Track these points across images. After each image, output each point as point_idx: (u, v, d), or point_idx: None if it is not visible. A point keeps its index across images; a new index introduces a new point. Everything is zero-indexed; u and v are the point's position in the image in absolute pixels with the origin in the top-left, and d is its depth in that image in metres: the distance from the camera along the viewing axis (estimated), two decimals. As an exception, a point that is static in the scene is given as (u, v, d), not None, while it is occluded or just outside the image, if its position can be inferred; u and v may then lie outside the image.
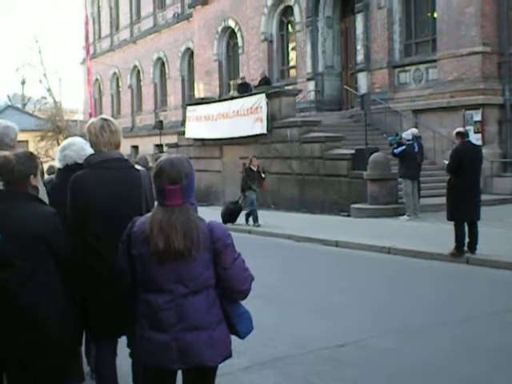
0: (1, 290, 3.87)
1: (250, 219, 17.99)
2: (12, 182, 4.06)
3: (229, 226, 17.28)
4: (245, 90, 25.69)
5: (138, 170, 4.49)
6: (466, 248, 11.45)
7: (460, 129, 12.47)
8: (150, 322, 3.48)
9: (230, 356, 3.61)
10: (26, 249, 3.94)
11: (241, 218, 18.45)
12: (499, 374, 5.89)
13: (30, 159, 4.21)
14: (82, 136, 5.48)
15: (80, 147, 5.13)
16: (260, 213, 20.53)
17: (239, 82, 27.82)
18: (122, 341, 4.56)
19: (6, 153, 4.20)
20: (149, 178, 4.45)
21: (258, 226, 17.52)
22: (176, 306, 3.43)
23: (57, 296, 4.03)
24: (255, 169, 18.36)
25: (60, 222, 4.13)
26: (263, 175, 18.58)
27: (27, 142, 40.70)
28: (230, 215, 18.59)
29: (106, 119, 4.50)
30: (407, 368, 6.13)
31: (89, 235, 4.26)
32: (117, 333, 4.42)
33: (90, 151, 4.78)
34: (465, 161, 11.29)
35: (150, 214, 3.55)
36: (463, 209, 11.26)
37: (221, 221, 17.26)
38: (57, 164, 5.27)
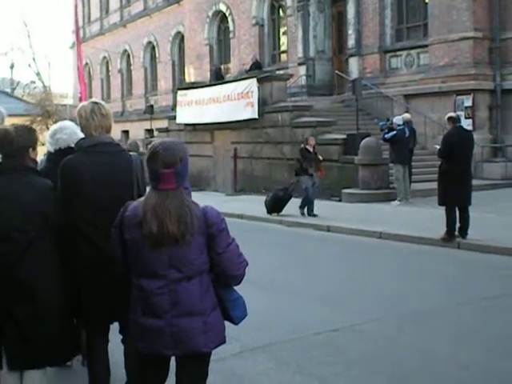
0: (0, 263, 3.89)
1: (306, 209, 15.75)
2: (11, 154, 4.10)
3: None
4: (218, 78, 26.04)
5: (130, 154, 4.44)
6: (456, 233, 11.48)
7: (452, 114, 12.47)
8: (143, 307, 3.46)
9: (223, 342, 3.59)
10: (24, 222, 4.00)
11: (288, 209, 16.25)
12: (495, 360, 5.90)
13: (29, 132, 4.28)
14: (72, 120, 5.43)
15: (72, 131, 5.08)
16: (251, 198, 20.54)
17: (213, 68, 28.14)
18: (114, 327, 4.53)
19: (6, 126, 4.22)
20: (140, 161, 4.41)
21: (315, 216, 15.41)
22: (169, 292, 3.40)
23: (53, 268, 4.07)
24: (311, 150, 15.97)
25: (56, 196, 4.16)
26: (320, 157, 16.20)
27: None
28: (276, 203, 16.30)
29: (96, 102, 4.45)
30: (402, 353, 6.14)
31: (79, 219, 4.21)
32: (109, 319, 4.39)
33: (82, 135, 4.74)
34: (456, 146, 11.29)
35: (143, 198, 3.52)
36: (454, 194, 11.26)
37: (265, 209, 16.60)
38: (48, 148, 5.22)
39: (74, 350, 4.33)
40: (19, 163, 4.12)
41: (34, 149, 4.29)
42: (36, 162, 4.38)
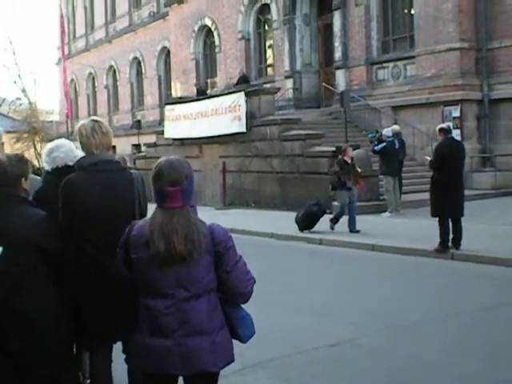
0: None
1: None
2: (4, 184, 3.99)
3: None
4: (202, 95, 26.17)
5: (131, 172, 4.41)
6: (450, 244, 11.48)
7: (443, 125, 12.51)
8: (150, 327, 3.40)
9: (232, 361, 3.54)
10: (18, 254, 3.86)
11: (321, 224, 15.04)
12: (493, 369, 5.91)
13: (22, 162, 4.16)
14: (60, 137, 5.38)
15: (69, 149, 5.03)
16: (241, 211, 20.47)
17: (196, 87, 28.34)
18: (117, 346, 4.48)
19: None
20: (141, 179, 4.38)
21: (357, 232, 14.26)
22: (177, 311, 3.35)
23: (50, 302, 3.95)
24: (349, 161, 14.77)
25: (52, 225, 4.05)
26: (359, 169, 15.09)
27: (3, 143, 40.11)
28: (309, 219, 14.98)
29: (96, 121, 4.42)
30: (402, 365, 6.13)
31: (82, 238, 4.16)
32: (113, 338, 4.33)
33: (79, 153, 4.71)
34: (448, 157, 11.32)
35: (148, 218, 3.49)
36: (448, 205, 11.27)
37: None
38: (45, 167, 5.16)
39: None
40: (12, 193, 4.02)
41: (26, 179, 4.17)
42: (28, 192, 4.30)
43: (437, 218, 11.51)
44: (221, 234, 3.44)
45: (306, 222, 14.98)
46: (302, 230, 15.00)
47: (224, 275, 3.44)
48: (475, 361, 6.14)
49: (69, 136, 27.83)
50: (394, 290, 9.41)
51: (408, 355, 6.39)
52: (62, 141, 5.25)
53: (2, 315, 3.82)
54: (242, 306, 3.68)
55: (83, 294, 4.19)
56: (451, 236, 11.46)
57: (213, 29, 32.87)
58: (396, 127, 18.28)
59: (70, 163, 4.83)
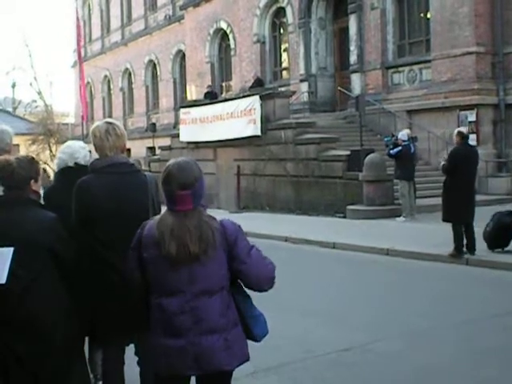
0: (2, 300, 3.76)
1: None
2: (12, 186, 3.96)
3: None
4: (212, 98, 26.24)
5: (145, 174, 4.40)
6: (465, 249, 11.40)
7: (461, 129, 12.49)
8: (164, 327, 3.39)
9: (247, 360, 3.52)
10: (27, 257, 3.81)
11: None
12: (506, 375, 5.88)
13: (31, 163, 4.12)
14: (75, 139, 5.43)
15: (75, 150, 5.06)
16: (254, 215, 20.41)
17: (206, 90, 28.50)
18: (129, 348, 4.47)
19: (8, 156, 4.11)
20: (155, 181, 4.37)
21: None
22: (190, 310, 3.34)
23: (60, 305, 3.93)
24: None
25: (63, 228, 4.02)
26: None
27: (18, 145, 40.46)
28: (501, 233, 11.61)
29: (111, 123, 4.42)
30: (415, 370, 6.09)
31: (95, 240, 4.17)
32: (125, 340, 4.32)
33: (85, 154, 4.77)
34: (462, 162, 11.25)
35: (157, 217, 3.48)
36: (461, 210, 11.20)
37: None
38: (54, 167, 5.24)
39: None
40: (21, 195, 3.98)
41: (37, 180, 4.12)
42: (39, 195, 4.28)
43: (451, 224, 11.44)
44: (231, 227, 3.43)
45: (498, 238, 11.67)
46: (492, 248, 11.70)
47: (243, 266, 3.43)
48: (488, 366, 6.10)
49: (84, 138, 27.97)
50: (408, 296, 9.35)
51: (420, 360, 6.35)
52: (71, 142, 5.31)
53: (10, 318, 3.81)
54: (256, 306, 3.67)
55: (97, 298, 4.19)
56: (465, 241, 11.38)
57: (228, 32, 32.90)
58: (408, 131, 18.16)
59: (71, 164, 4.94)
